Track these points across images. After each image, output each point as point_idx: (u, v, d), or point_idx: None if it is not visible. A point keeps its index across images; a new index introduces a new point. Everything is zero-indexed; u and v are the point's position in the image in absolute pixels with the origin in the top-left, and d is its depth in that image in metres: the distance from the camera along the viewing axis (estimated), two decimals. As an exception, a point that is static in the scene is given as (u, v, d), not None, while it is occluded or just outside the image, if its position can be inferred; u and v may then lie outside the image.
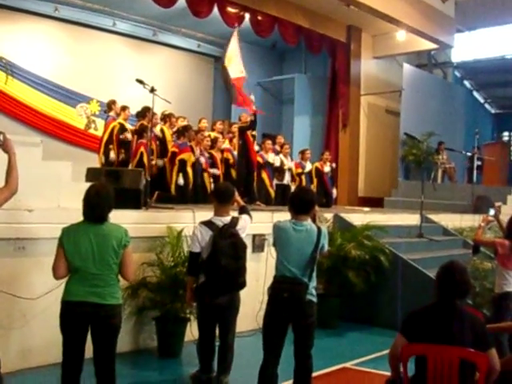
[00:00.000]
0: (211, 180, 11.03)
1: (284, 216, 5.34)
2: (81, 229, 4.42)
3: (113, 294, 4.39)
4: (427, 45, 16.17)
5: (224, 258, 5.41)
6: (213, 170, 11.06)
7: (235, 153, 11.50)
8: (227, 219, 5.65)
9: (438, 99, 17.22)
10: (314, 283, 4.95)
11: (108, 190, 4.52)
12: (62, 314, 4.38)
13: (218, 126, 12.20)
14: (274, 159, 12.17)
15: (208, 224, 5.66)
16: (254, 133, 11.65)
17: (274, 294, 4.96)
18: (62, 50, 14.55)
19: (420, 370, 3.89)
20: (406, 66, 16.42)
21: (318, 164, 13.16)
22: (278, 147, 12.63)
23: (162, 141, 10.70)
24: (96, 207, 4.40)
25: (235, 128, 11.74)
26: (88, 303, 4.29)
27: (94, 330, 4.36)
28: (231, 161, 11.52)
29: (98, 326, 4.35)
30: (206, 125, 11.66)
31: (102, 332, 4.37)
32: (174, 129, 11.12)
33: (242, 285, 5.63)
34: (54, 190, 6.37)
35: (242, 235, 5.65)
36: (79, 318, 4.32)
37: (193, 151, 10.50)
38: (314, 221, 5.14)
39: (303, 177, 12.86)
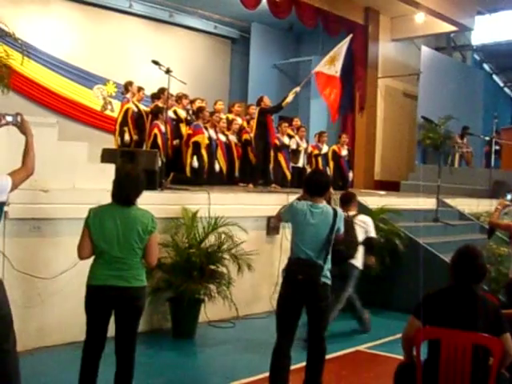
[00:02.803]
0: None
1: (299, 199, 5.32)
2: (107, 211, 4.40)
3: (137, 276, 4.37)
4: (447, 27, 15.99)
5: None
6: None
7: (251, 135, 11.47)
8: None
9: (457, 83, 17.03)
10: (328, 265, 4.93)
11: (138, 174, 4.49)
12: (87, 297, 4.39)
13: (237, 108, 12.11)
14: (290, 142, 12.15)
15: None
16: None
17: (288, 276, 4.95)
18: (79, 32, 14.57)
19: (433, 354, 3.88)
20: (425, 49, 16.26)
21: (335, 147, 13.16)
22: (294, 130, 12.60)
23: (177, 122, 10.67)
24: (125, 190, 4.37)
25: (253, 109, 11.68)
26: (113, 287, 4.29)
27: (118, 312, 4.37)
28: (250, 142, 11.42)
29: (123, 309, 4.36)
30: (222, 107, 11.58)
31: (126, 314, 4.38)
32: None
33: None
34: (70, 170, 6.37)
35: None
36: (104, 301, 4.33)
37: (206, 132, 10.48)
38: (328, 203, 5.12)
39: (319, 159, 12.84)
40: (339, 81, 11.84)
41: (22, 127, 4.20)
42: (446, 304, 3.93)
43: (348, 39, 12.02)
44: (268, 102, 11.18)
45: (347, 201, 7.56)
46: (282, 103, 11.09)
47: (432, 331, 3.89)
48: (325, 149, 12.99)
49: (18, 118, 4.18)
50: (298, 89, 11.18)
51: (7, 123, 4.16)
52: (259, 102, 11.33)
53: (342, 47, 11.79)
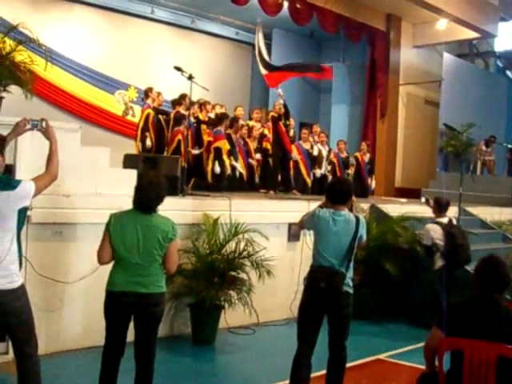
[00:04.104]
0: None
1: (320, 206, 5.30)
2: (129, 217, 4.40)
3: (156, 282, 4.37)
4: (469, 34, 15.85)
5: None
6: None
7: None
8: None
9: (479, 90, 16.89)
10: (350, 273, 4.91)
11: (160, 182, 4.45)
12: (106, 303, 4.40)
13: (255, 114, 12.14)
14: (311, 149, 12.15)
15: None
16: (291, 121, 11.61)
17: (310, 284, 4.92)
18: (101, 37, 14.69)
19: (456, 365, 3.82)
20: (447, 56, 16.15)
21: (358, 154, 13.15)
22: (315, 137, 12.58)
23: (198, 125, 10.68)
24: (146, 197, 4.36)
25: (269, 116, 11.67)
26: (132, 293, 4.29)
27: (138, 317, 4.38)
28: (270, 151, 11.38)
29: (142, 314, 4.36)
30: (241, 113, 11.59)
31: (145, 320, 4.39)
32: (212, 115, 11.11)
33: None
34: (92, 175, 6.39)
35: None
36: (123, 307, 4.34)
37: (229, 139, 10.48)
38: (350, 211, 5.08)
39: (337, 168, 12.80)
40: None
41: (47, 133, 4.22)
42: (469, 314, 3.87)
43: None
44: (278, 107, 11.08)
45: (447, 207, 8.10)
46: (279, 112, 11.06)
47: (455, 342, 3.84)
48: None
49: (43, 124, 4.20)
50: (279, 91, 11.16)
51: (32, 128, 4.19)
52: (274, 108, 11.36)
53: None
